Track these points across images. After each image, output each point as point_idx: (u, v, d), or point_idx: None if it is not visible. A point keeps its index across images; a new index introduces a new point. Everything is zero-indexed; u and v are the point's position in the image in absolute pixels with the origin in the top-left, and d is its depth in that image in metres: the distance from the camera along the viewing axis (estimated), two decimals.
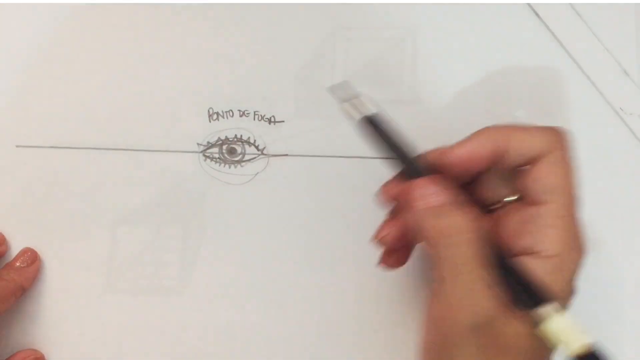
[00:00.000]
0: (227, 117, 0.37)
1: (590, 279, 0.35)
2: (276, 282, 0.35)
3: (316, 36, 0.38)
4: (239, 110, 0.37)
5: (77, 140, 0.37)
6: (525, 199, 0.27)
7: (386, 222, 0.30)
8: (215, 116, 0.37)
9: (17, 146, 0.37)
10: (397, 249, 0.30)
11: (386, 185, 0.30)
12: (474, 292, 0.24)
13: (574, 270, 0.26)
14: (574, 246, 0.26)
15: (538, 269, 0.25)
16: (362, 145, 0.37)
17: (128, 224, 0.36)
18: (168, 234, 0.36)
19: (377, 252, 0.36)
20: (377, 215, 0.36)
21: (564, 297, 0.26)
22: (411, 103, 0.37)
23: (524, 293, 0.25)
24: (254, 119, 0.37)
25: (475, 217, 0.26)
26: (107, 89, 0.37)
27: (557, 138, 0.27)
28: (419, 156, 0.28)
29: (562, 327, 0.24)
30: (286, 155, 0.37)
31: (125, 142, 0.37)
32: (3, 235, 0.36)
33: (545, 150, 0.26)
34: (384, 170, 0.36)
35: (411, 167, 0.28)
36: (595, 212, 0.36)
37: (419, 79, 0.37)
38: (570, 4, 0.37)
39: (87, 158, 0.37)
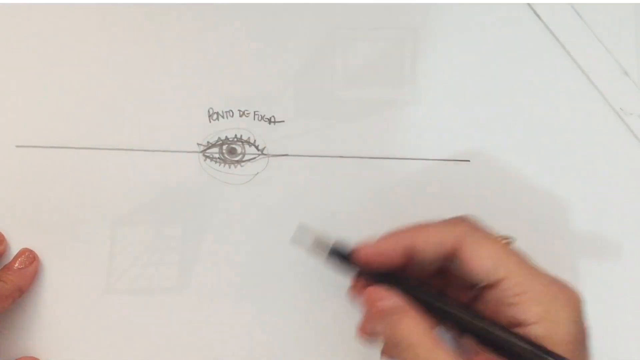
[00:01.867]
0: (227, 117, 0.37)
1: (591, 279, 0.35)
2: (276, 282, 0.35)
3: (316, 36, 0.38)
4: (239, 110, 0.37)
5: (77, 140, 0.37)
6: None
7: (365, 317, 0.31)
8: (215, 116, 0.37)
9: (17, 146, 0.37)
10: None
11: (350, 288, 0.31)
12: None
13: (569, 316, 0.26)
14: (553, 298, 0.26)
15: (534, 336, 0.26)
16: (362, 145, 0.37)
17: (128, 224, 0.36)
18: (168, 234, 0.36)
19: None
20: (377, 215, 0.36)
21: (576, 344, 0.26)
22: (411, 103, 0.37)
23: None
24: (254, 119, 0.37)
25: (415, 317, 0.27)
26: (107, 89, 0.37)
27: (464, 225, 0.28)
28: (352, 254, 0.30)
29: None
30: (286, 155, 0.37)
31: (125, 142, 0.37)
32: (2, 235, 0.36)
33: (456, 241, 0.27)
34: (384, 171, 0.36)
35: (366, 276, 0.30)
36: (595, 212, 0.36)
37: (419, 79, 0.37)
38: (570, 4, 0.37)
39: (87, 158, 0.37)
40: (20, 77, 0.38)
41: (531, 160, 0.36)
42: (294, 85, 0.37)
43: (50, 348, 0.35)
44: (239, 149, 0.37)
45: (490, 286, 0.27)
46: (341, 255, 0.30)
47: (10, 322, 0.35)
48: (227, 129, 0.37)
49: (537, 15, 0.37)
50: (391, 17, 0.38)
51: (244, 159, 0.37)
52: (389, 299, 0.28)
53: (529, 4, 0.38)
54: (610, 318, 0.35)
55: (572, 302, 0.26)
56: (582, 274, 0.35)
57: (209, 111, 0.37)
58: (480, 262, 0.27)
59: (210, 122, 0.37)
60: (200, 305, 0.35)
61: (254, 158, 0.37)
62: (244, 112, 0.37)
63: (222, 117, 0.37)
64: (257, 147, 0.37)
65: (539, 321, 0.26)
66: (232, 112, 0.37)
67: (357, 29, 0.38)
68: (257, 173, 0.36)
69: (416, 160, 0.36)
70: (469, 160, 0.36)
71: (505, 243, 0.28)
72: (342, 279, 0.35)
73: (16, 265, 0.35)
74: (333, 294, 0.35)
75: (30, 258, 0.35)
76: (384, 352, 0.28)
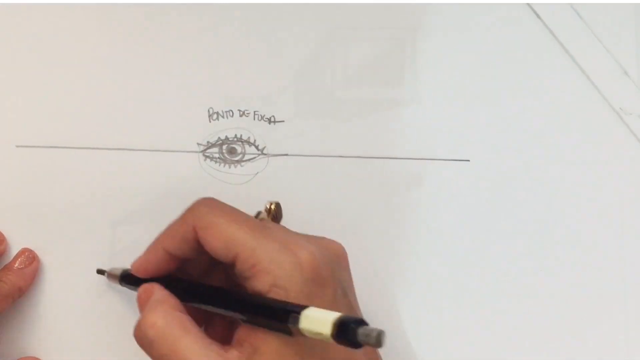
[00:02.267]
0: (227, 117, 0.37)
1: (590, 279, 0.35)
2: None
3: (316, 36, 0.38)
4: (239, 110, 0.37)
5: (77, 140, 0.37)
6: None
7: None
8: (215, 116, 0.37)
9: (17, 146, 0.37)
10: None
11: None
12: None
13: (296, 278, 0.26)
14: (280, 264, 0.26)
15: (264, 290, 0.26)
16: (362, 145, 0.37)
17: (128, 224, 0.36)
18: None
19: (375, 251, 0.36)
20: (377, 215, 0.36)
21: (311, 298, 0.26)
22: (411, 103, 0.37)
23: (271, 319, 0.25)
24: (254, 119, 0.37)
25: (164, 310, 0.28)
26: (107, 89, 0.37)
27: (194, 213, 0.29)
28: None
29: (312, 320, 0.23)
30: (286, 155, 0.37)
31: (125, 142, 0.37)
32: (2, 235, 0.36)
33: (192, 230, 0.28)
34: (384, 171, 0.36)
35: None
36: (595, 212, 0.36)
37: (419, 79, 0.37)
38: (570, 4, 0.37)
39: (87, 158, 0.37)
40: (20, 77, 0.38)
41: (531, 160, 0.36)
42: (294, 85, 0.37)
43: (50, 348, 0.35)
44: (239, 149, 0.37)
45: (231, 264, 0.27)
46: (127, 277, 0.32)
47: (10, 322, 0.35)
48: (227, 128, 0.37)
49: (537, 15, 0.37)
50: (391, 17, 0.38)
51: (244, 159, 0.37)
52: (152, 292, 0.29)
53: (528, 4, 0.38)
54: (609, 318, 0.35)
55: (300, 263, 0.26)
56: (582, 274, 0.35)
57: (209, 111, 0.37)
58: (215, 243, 0.27)
59: (210, 122, 0.37)
60: None
61: (254, 158, 0.37)
62: (244, 112, 0.37)
63: (222, 117, 0.37)
64: (257, 147, 0.37)
65: (271, 289, 0.26)
66: (232, 112, 0.37)
67: (357, 29, 0.38)
68: (257, 173, 0.36)
69: (416, 160, 0.36)
70: (468, 160, 0.36)
71: (243, 218, 0.28)
72: None
73: (16, 265, 0.35)
74: None
75: (30, 258, 0.35)
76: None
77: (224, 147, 0.37)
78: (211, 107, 0.37)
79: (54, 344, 0.35)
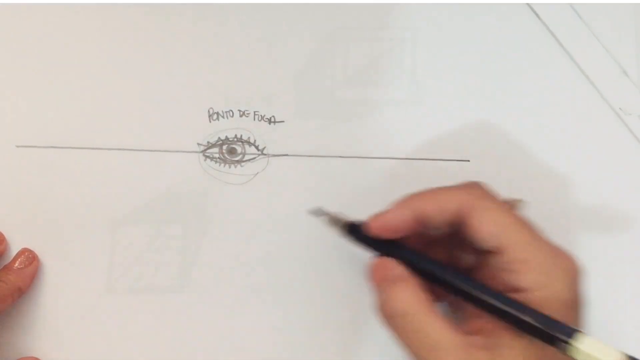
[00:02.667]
0: (227, 117, 0.37)
1: (591, 279, 0.35)
2: (276, 282, 0.35)
3: (316, 36, 0.38)
4: (239, 110, 0.37)
5: (77, 140, 0.37)
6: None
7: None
8: (215, 116, 0.37)
9: (17, 146, 0.37)
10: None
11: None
12: (438, 349, 0.26)
13: (565, 285, 0.26)
14: (552, 267, 0.26)
15: (529, 302, 0.26)
16: (362, 145, 0.37)
17: (128, 224, 0.36)
18: (168, 234, 0.36)
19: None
20: None
21: (568, 311, 0.26)
22: (411, 103, 0.37)
23: (542, 331, 0.25)
24: (254, 119, 0.37)
25: (413, 287, 0.28)
26: (107, 89, 0.37)
27: (474, 191, 0.28)
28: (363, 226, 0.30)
29: (591, 350, 0.24)
30: (286, 155, 0.37)
31: (125, 142, 0.37)
32: (2, 235, 0.36)
33: (464, 207, 0.28)
34: (384, 171, 0.36)
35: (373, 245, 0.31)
36: (595, 212, 0.36)
37: (419, 79, 0.37)
38: (570, 4, 0.37)
39: (87, 158, 0.37)
40: (20, 77, 0.38)
41: (531, 160, 0.36)
42: (294, 85, 0.37)
43: (50, 348, 0.35)
44: (239, 149, 0.37)
45: (492, 252, 0.27)
46: (354, 229, 0.31)
47: (10, 322, 0.35)
48: (227, 129, 0.37)
49: (537, 15, 0.37)
50: (391, 17, 0.38)
51: (244, 159, 0.37)
52: (391, 268, 0.29)
53: (528, 4, 0.38)
54: (609, 320, 0.35)
55: (571, 271, 0.27)
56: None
57: (209, 111, 0.37)
58: (485, 228, 0.27)
59: (210, 122, 0.37)
60: (200, 305, 0.35)
61: (254, 158, 0.37)
62: (244, 112, 0.37)
63: (222, 117, 0.37)
64: (257, 147, 0.37)
65: (538, 289, 0.26)
66: (232, 112, 0.37)
67: (357, 29, 0.38)
68: (257, 173, 0.36)
69: (416, 160, 0.36)
70: (468, 160, 0.36)
71: (512, 211, 0.28)
72: (342, 279, 0.35)
73: (16, 265, 0.35)
74: (333, 294, 0.35)
75: (30, 258, 0.35)
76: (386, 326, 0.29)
77: (224, 147, 0.37)
78: (211, 107, 0.37)
79: (53, 344, 0.35)
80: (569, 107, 0.37)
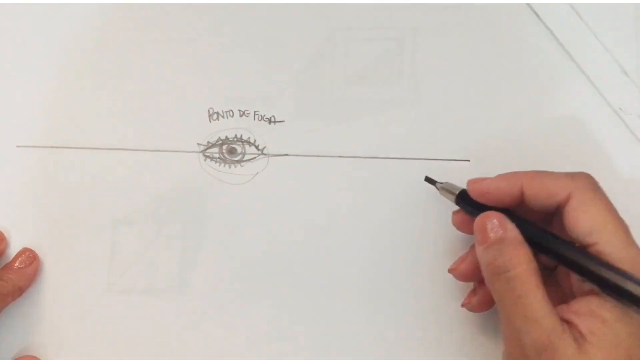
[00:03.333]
0: (227, 117, 0.37)
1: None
2: (276, 281, 0.35)
3: (316, 36, 0.38)
4: (239, 110, 0.37)
5: (77, 140, 0.37)
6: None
7: (462, 256, 0.32)
8: (215, 116, 0.37)
9: (17, 146, 0.37)
10: (480, 289, 0.32)
11: (455, 214, 0.33)
12: (532, 321, 0.26)
13: None
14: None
15: None
16: (362, 145, 0.37)
17: (128, 224, 0.36)
18: (168, 234, 0.36)
19: (376, 250, 0.36)
20: (377, 214, 0.36)
21: None
22: (411, 103, 0.37)
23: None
24: (254, 119, 0.37)
25: (526, 252, 0.28)
26: (107, 89, 0.37)
27: (579, 182, 0.28)
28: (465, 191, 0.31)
29: None
30: (286, 155, 0.37)
31: (126, 142, 0.37)
32: (2, 233, 0.36)
33: (565, 196, 0.28)
34: (384, 171, 0.36)
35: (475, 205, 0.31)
36: None
37: (419, 79, 0.37)
38: (570, 4, 0.37)
39: (87, 158, 0.37)
40: (20, 77, 0.38)
41: (531, 160, 0.36)
42: (294, 85, 0.37)
43: (50, 348, 0.35)
44: (239, 149, 0.37)
45: (584, 247, 0.27)
46: (465, 196, 0.31)
47: (10, 321, 0.35)
48: (227, 129, 0.37)
49: (537, 15, 0.37)
50: (391, 17, 0.38)
51: (244, 159, 0.37)
52: (509, 229, 0.29)
53: (528, 4, 0.38)
54: None
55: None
56: None
57: (209, 111, 0.37)
58: (580, 222, 0.27)
59: (210, 122, 0.37)
60: (200, 305, 0.35)
61: (254, 158, 0.37)
62: (244, 112, 0.37)
63: (222, 117, 0.37)
64: (257, 147, 0.37)
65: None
66: (232, 112, 0.37)
67: (357, 29, 0.38)
68: (257, 173, 0.36)
69: (416, 160, 0.36)
70: (469, 160, 0.36)
71: (615, 211, 0.28)
72: (342, 278, 0.35)
73: (16, 264, 0.35)
74: (334, 293, 0.35)
75: (30, 258, 0.35)
76: (480, 283, 0.30)
77: (224, 147, 0.37)
78: (211, 107, 0.37)
79: (53, 344, 0.35)
80: (569, 107, 0.37)
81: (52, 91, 0.37)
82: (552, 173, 0.29)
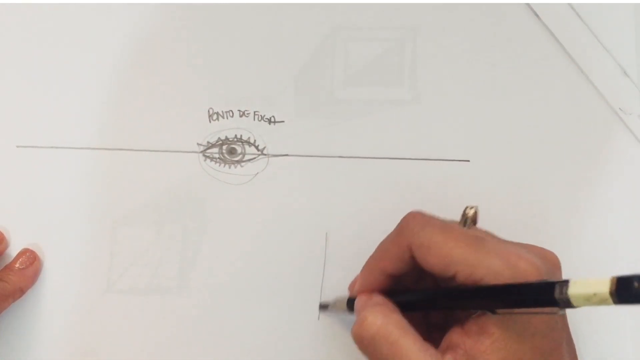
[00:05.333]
0: (227, 117, 0.37)
1: (591, 278, 0.35)
2: (276, 282, 0.35)
3: (316, 36, 0.38)
4: (239, 110, 0.37)
5: (77, 140, 0.37)
6: None
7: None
8: (215, 116, 0.37)
9: (17, 146, 0.37)
10: None
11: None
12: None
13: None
14: (507, 279, 0.26)
15: None
16: (362, 145, 0.37)
17: (128, 224, 0.36)
18: (168, 234, 0.36)
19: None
20: (376, 214, 0.36)
21: None
22: (411, 103, 0.37)
23: (531, 299, 0.25)
24: (254, 119, 0.37)
25: (388, 314, 0.28)
26: (107, 89, 0.37)
27: (406, 232, 0.29)
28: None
29: (583, 285, 0.23)
30: (286, 155, 0.37)
31: (125, 142, 0.37)
32: (2, 234, 0.36)
33: (408, 249, 0.28)
34: (384, 171, 0.36)
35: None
36: (595, 212, 0.36)
37: (419, 79, 0.37)
38: (570, 4, 0.37)
39: (87, 158, 0.37)
40: (20, 77, 0.38)
41: (531, 160, 0.36)
42: (294, 85, 0.37)
43: (50, 348, 0.35)
44: (239, 149, 0.37)
45: (449, 278, 0.27)
46: (349, 302, 0.32)
47: (10, 321, 0.35)
48: (227, 129, 0.37)
49: (537, 15, 0.37)
50: (391, 17, 0.38)
51: (244, 159, 0.37)
52: (370, 298, 0.29)
53: (528, 4, 0.38)
54: (608, 321, 0.35)
55: (524, 277, 0.26)
56: (582, 274, 0.35)
57: (209, 111, 0.37)
58: (432, 262, 0.27)
59: (210, 122, 0.37)
60: (200, 305, 0.35)
61: (254, 158, 0.37)
62: (244, 112, 0.37)
63: (222, 117, 0.37)
64: (257, 147, 0.37)
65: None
66: (232, 112, 0.37)
67: (357, 29, 0.38)
68: (257, 173, 0.36)
69: (416, 160, 0.36)
70: (469, 160, 0.36)
71: (457, 232, 0.27)
72: (342, 278, 0.35)
73: (17, 265, 0.35)
74: (334, 294, 0.35)
75: (31, 258, 0.35)
76: None
77: (224, 147, 0.37)
78: (211, 107, 0.37)
79: (53, 344, 0.35)
80: (569, 107, 0.37)
81: (52, 91, 0.37)
82: (387, 241, 0.30)
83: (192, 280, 0.35)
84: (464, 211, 0.30)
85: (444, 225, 0.28)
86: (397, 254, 0.29)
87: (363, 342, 0.27)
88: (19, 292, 0.34)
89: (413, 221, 0.29)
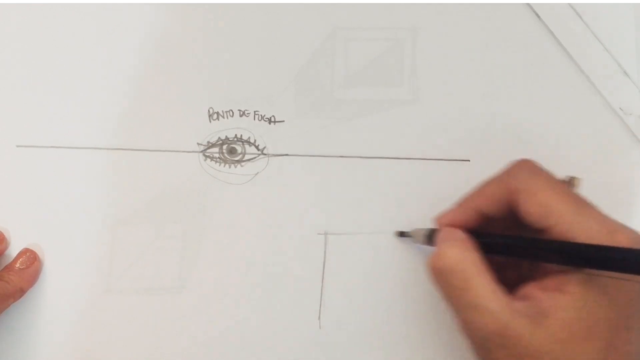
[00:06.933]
0: (227, 117, 0.37)
1: None
2: (276, 281, 0.35)
3: (316, 36, 0.38)
4: (239, 110, 0.37)
5: (77, 140, 0.37)
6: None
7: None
8: (215, 116, 0.37)
9: (17, 146, 0.37)
10: None
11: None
12: (479, 309, 0.26)
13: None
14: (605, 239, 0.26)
15: None
16: (362, 145, 0.37)
17: (128, 224, 0.36)
18: (168, 234, 0.36)
19: (376, 251, 0.36)
20: (376, 214, 0.36)
21: None
22: (411, 103, 0.37)
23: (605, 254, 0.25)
24: (254, 119, 0.37)
25: (467, 250, 0.28)
26: (107, 88, 0.37)
27: (517, 176, 0.29)
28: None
29: None
30: (286, 155, 0.37)
31: (125, 142, 0.37)
32: (2, 234, 0.36)
33: (512, 193, 0.28)
34: (384, 171, 0.36)
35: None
36: None
37: (419, 79, 0.37)
38: (570, 4, 0.37)
39: (87, 158, 0.37)
40: (20, 77, 0.38)
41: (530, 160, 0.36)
42: (294, 85, 0.37)
43: (50, 348, 0.35)
44: (239, 149, 0.37)
45: (544, 231, 0.27)
46: (431, 235, 0.32)
47: (10, 321, 0.35)
48: (227, 128, 0.37)
49: (537, 15, 0.37)
50: (391, 17, 0.38)
51: (244, 159, 0.37)
52: (453, 232, 0.30)
53: (528, 4, 0.38)
54: None
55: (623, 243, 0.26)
56: None
57: (209, 111, 0.37)
58: (532, 209, 0.27)
59: (210, 122, 0.37)
60: (201, 305, 0.35)
61: (254, 158, 0.37)
62: (244, 112, 0.37)
63: (222, 117, 0.37)
64: (257, 147, 0.37)
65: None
66: (232, 112, 0.37)
67: (357, 29, 0.38)
68: (257, 173, 0.37)
69: (416, 160, 0.36)
70: (469, 160, 0.36)
71: (560, 188, 0.28)
72: (342, 278, 0.35)
73: (17, 265, 0.35)
74: (334, 294, 0.35)
75: (31, 258, 0.35)
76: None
77: (224, 147, 0.37)
78: (211, 107, 0.37)
79: (53, 344, 0.35)
80: (569, 107, 0.37)
81: (52, 91, 0.37)
82: (493, 180, 0.30)
83: (192, 280, 0.35)
84: (571, 178, 0.30)
85: (552, 179, 0.28)
86: (497, 195, 0.29)
87: (438, 273, 0.28)
88: (20, 292, 0.34)
89: (525, 166, 0.29)
